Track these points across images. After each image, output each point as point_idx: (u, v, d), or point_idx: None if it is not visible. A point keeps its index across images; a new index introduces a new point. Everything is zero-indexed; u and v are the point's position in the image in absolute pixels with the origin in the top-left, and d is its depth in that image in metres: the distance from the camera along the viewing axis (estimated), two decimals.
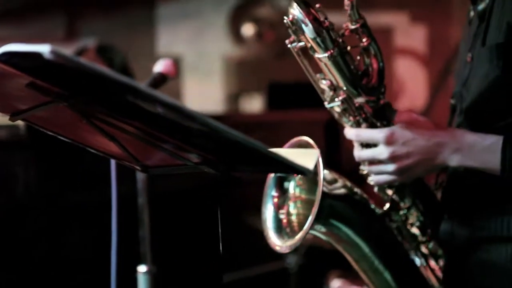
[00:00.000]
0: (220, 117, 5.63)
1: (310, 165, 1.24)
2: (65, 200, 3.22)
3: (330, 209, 1.79)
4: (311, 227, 1.75)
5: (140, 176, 2.20)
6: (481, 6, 1.80)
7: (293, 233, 1.85)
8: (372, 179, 1.81)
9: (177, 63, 6.16)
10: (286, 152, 1.25)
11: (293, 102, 5.52)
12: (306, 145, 1.80)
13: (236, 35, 6.31)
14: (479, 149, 1.65)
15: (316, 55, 1.69)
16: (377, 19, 6.40)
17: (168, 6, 6.33)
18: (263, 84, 6.06)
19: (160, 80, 2.25)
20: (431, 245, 1.89)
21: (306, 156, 1.27)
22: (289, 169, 1.28)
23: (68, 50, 4.34)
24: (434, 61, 6.50)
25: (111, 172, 2.09)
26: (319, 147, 1.72)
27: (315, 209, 1.73)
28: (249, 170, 1.40)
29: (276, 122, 4.47)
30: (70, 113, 1.33)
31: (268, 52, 6.33)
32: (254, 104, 6.17)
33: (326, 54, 1.66)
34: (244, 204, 3.36)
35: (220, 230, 1.40)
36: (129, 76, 3.68)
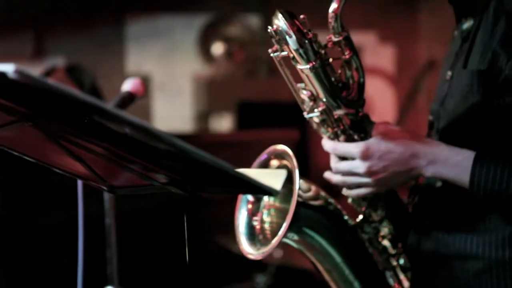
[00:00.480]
0: (190, 136, 5.63)
1: (277, 186, 1.24)
2: (32, 220, 3.19)
3: (304, 218, 1.80)
4: (285, 235, 1.75)
5: (107, 196, 2.18)
6: (465, 26, 1.81)
7: (266, 241, 1.85)
8: (347, 192, 1.82)
9: (146, 82, 6.19)
10: (253, 172, 1.25)
11: (263, 121, 5.53)
12: (282, 153, 1.81)
13: (206, 54, 6.32)
14: (452, 163, 1.67)
15: (298, 66, 1.69)
16: None
17: (137, 25, 6.31)
18: (232, 103, 6.06)
19: (128, 99, 2.24)
20: (401, 258, 1.90)
21: (273, 176, 1.27)
22: (256, 190, 1.27)
23: (36, 69, 4.32)
24: (402, 80, 6.55)
25: (78, 192, 2.07)
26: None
27: (289, 217, 1.73)
28: (216, 190, 1.39)
29: (246, 141, 4.46)
30: (36, 133, 1.32)
31: (238, 71, 6.34)
32: (223, 123, 6.17)
33: (308, 66, 1.67)
34: (213, 223, 3.35)
35: (187, 250, 1.39)
36: (99, 95, 3.66)
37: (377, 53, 6.61)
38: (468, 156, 1.66)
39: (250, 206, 1.88)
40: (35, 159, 1.50)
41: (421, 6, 6.29)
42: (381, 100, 6.46)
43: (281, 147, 1.82)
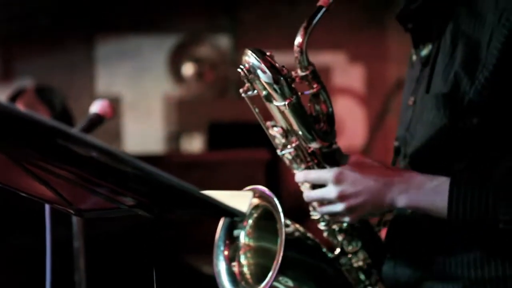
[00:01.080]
0: (161, 157, 5.61)
1: (243, 208, 1.23)
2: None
3: (286, 256, 1.77)
4: (273, 280, 1.72)
5: (76, 220, 2.16)
6: (424, 52, 1.82)
7: (248, 285, 1.82)
8: (323, 224, 1.82)
9: (116, 102, 6.18)
10: (219, 194, 1.24)
11: (234, 142, 5.54)
12: (260, 194, 1.78)
13: (176, 75, 6.32)
14: (426, 190, 1.65)
15: (274, 103, 1.68)
16: (315, 58, 6.45)
17: (107, 46, 6.30)
18: (203, 124, 6.06)
19: (97, 121, 2.23)
20: (378, 286, 1.89)
21: (240, 198, 1.27)
22: (223, 212, 1.27)
23: (5, 91, 4.28)
24: (372, 100, 6.59)
25: (46, 216, 2.05)
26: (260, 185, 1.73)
27: (277, 261, 1.70)
28: (183, 213, 1.39)
29: (216, 162, 4.46)
30: (1, 157, 1.31)
31: (209, 92, 6.35)
32: (194, 144, 6.17)
33: (285, 102, 1.65)
34: (185, 244, 3.34)
35: (154, 273, 1.38)
36: (69, 117, 3.64)
37: (346, 73, 6.65)
38: (443, 182, 1.65)
39: (226, 252, 1.85)
40: (1, 183, 1.48)
41: (389, 26, 6.35)
42: (351, 119, 6.49)
43: (260, 187, 1.79)
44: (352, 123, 6.45)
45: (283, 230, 1.71)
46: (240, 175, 4.16)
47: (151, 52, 6.34)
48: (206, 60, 6.35)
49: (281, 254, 1.70)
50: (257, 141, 3.97)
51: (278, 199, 1.83)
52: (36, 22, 5.90)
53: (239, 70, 1.67)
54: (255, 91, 1.70)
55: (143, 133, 6.31)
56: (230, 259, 1.85)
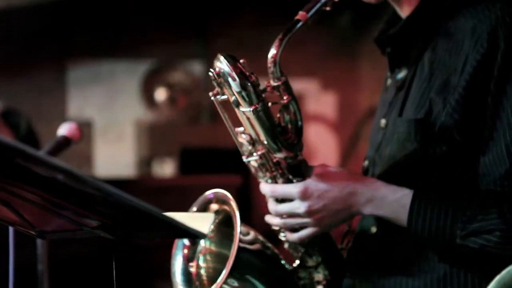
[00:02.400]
0: (132, 182, 5.59)
1: (204, 229, 1.23)
2: None
3: (242, 263, 1.78)
4: (225, 281, 1.73)
5: (40, 242, 2.14)
6: (400, 75, 1.84)
7: (202, 287, 1.83)
8: (284, 234, 1.82)
9: (88, 127, 6.15)
10: (182, 216, 1.24)
11: (205, 167, 5.53)
12: (222, 199, 1.80)
13: (149, 100, 6.31)
14: (390, 201, 1.68)
15: (241, 109, 1.69)
16: None
17: (79, 70, 6.28)
18: (175, 149, 6.05)
19: (64, 143, 2.21)
20: None
21: (201, 220, 1.26)
22: (185, 233, 1.26)
23: None
24: (344, 127, 6.62)
25: (9, 239, 2.02)
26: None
27: (230, 264, 1.71)
28: (146, 235, 1.37)
29: (188, 187, 4.45)
30: None
31: (181, 117, 6.34)
32: (166, 169, 6.15)
33: (250, 108, 1.66)
34: (151, 268, 3.31)
35: None
36: (35, 139, 3.62)
37: (319, 100, 6.68)
38: (406, 194, 1.68)
39: (186, 251, 1.86)
40: None
41: (361, 54, 6.40)
42: (323, 146, 6.51)
43: (221, 191, 1.81)
44: (324, 150, 6.47)
45: (237, 236, 1.71)
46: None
47: (124, 77, 6.34)
48: (178, 86, 6.36)
49: (233, 259, 1.70)
50: (228, 167, 3.97)
51: (249, 224, 1.84)
52: (8, 46, 5.87)
53: (209, 73, 1.68)
54: (224, 96, 1.71)
55: (114, 157, 6.28)
56: (188, 259, 1.85)
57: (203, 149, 5.83)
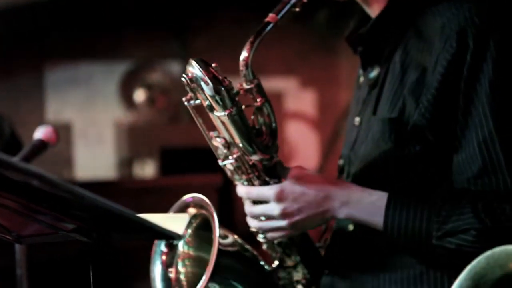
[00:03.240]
0: (113, 183, 5.57)
1: (179, 230, 1.23)
2: None
3: (222, 266, 1.78)
4: (206, 286, 1.73)
5: (18, 246, 2.13)
6: (372, 74, 1.85)
7: None
8: (262, 236, 1.82)
9: (66, 129, 6.13)
10: (157, 218, 1.24)
11: (186, 167, 5.53)
12: (199, 203, 1.79)
13: (128, 101, 6.30)
14: (365, 203, 1.69)
15: (215, 113, 1.69)
16: (267, 84, 6.47)
17: (57, 73, 6.26)
18: (155, 150, 6.04)
19: (40, 147, 2.20)
20: None
21: (177, 221, 1.27)
22: (160, 235, 1.27)
23: None
24: (324, 124, 6.64)
25: None
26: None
27: (210, 267, 1.72)
28: (121, 237, 1.38)
29: (169, 187, 4.45)
30: None
31: (160, 118, 6.33)
32: (147, 169, 6.14)
33: (225, 113, 1.66)
34: (133, 270, 3.31)
35: None
36: (18, 143, 3.60)
37: (298, 98, 6.69)
38: (381, 197, 1.68)
39: (164, 257, 1.86)
40: None
41: (340, 52, 6.42)
42: (304, 144, 6.53)
43: (198, 195, 1.81)
44: (304, 147, 6.49)
45: (217, 240, 1.72)
46: None
47: (102, 78, 6.32)
48: (157, 86, 6.35)
49: (213, 263, 1.71)
50: (209, 166, 3.98)
51: (230, 223, 1.84)
52: None
53: (182, 79, 1.68)
54: (198, 101, 1.71)
55: (95, 159, 6.27)
56: (167, 265, 1.85)
57: (184, 149, 5.83)
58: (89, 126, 6.29)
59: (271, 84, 6.53)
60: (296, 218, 1.71)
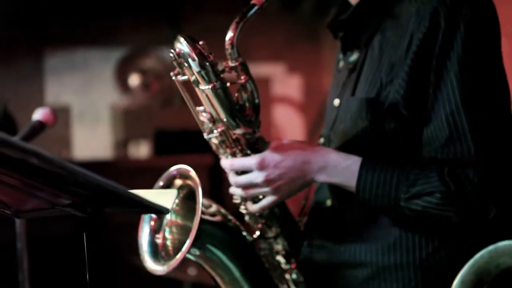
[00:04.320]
0: (109, 163, 5.58)
1: (168, 205, 1.24)
2: None
3: (205, 234, 1.80)
4: (188, 251, 1.75)
5: (19, 222, 2.14)
6: (352, 58, 1.86)
7: (168, 257, 1.84)
8: (243, 207, 1.84)
9: (65, 112, 6.11)
10: (147, 193, 1.25)
11: (179, 148, 5.53)
12: (185, 174, 1.82)
13: (123, 85, 6.28)
14: (341, 168, 1.72)
15: (200, 87, 1.70)
16: (255, 70, 6.47)
17: (56, 57, 6.23)
18: (149, 131, 6.03)
19: (39, 128, 2.21)
20: (293, 273, 1.92)
21: (165, 195, 1.27)
22: (150, 209, 1.28)
23: None
24: (309, 108, 6.64)
25: None
26: (203, 189, 1.74)
27: (193, 234, 1.73)
28: (114, 211, 1.39)
29: (163, 167, 4.42)
30: None
31: (154, 101, 6.32)
32: (141, 150, 6.13)
33: (209, 86, 1.67)
34: (128, 245, 3.31)
35: (87, 270, 1.38)
36: (12, 122, 3.59)
37: (285, 83, 6.69)
38: (356, 161, 1.71)
39: (152, 223, 1.87)
40: None
41: (324, 39, 6.41)
42: (290, 126, 6.53)
43: (184, 167, 1.83)
44: (291, 129, 6.49)
45: (200, 208, 1.73)
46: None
47: (99, 64, 6.29)
48: (151, 71, 6.33)
49: (196, 230, 1.72)
50: (200, 147, 3.98)
51: (220, 201, 1.85)
52: None
53: (170, 54, 1.69)
54: (185, 76, 1.72)
55: (92, 140, 6.25)
56: (155, 231, 1.87)
57: (177, 131, 5.82)
58: (87, 108, 6.27)
59: (259, 69, 6.52)
60: (279, 183, 1.73)
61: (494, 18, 1.70)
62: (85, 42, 6.26)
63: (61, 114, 2.23)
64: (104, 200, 1.29)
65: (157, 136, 5.96)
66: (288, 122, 6.56)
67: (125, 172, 5.40)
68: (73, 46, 6.25)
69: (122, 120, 6.15)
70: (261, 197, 1.78)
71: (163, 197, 1.26)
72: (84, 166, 1.22)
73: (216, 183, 4.88)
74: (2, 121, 3.49)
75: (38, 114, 2.23)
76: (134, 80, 6.30)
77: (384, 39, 1.76)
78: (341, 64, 1.93)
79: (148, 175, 4.24)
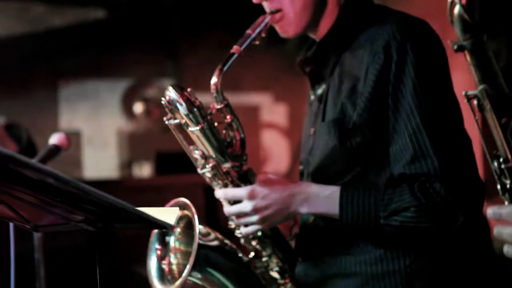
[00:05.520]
0: (115, 182, 5.55)
1: (171, 221, 1.24)
2: None
3: (205, 258, 1.79)
4: (189, 274, 1.73)
5: (36, 235, 2.12)
6: (319, 91, 1.87)
7: (174, 280, 1.83)
8: (239, 231, 1.83)
9: (77, 136, 6.10)
10: (151, 211, 1.25)
11: (177, 168, 5.51)
12: (184, 205, 1.80)
13: (128, 112, 6.28)
14: (322, 198, 1.70)
15: (190, 129, 1.70)
16: (246, 99, 6.51)
17: (69, 87, 6.24)
18: (151, 154, 6.03)
19: (55, 150, 2.20)
20: (289, 286, 1.91)
21: (168, 213, 1.27)
22: (154, 225, 1.28)
23: None
24: (294, 133, 6.65)
25: (10, 231, 2.01)
26: (199, 206, 1.73)
27: (192, 258, 1.72)
28: (122, 227, 1.38)
29: (163, 185, 4.43)
30: None
31: (156, 127, 6.32)
32: (144, 170, 6.12)
33: (197, 128, 1.68)
34: (135, 256, 3.30)
35: (98, 279, 1.37)
36: (34, 149, 3.58)
37: (272, 111, 6.70)
38: (335, 190, 1.69)
39: (159, 252, 1.86)
40: None
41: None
42: (277, 149, 6.53)
43: (182, 199, 1.82)
44: (277, 152, 6.50)
45: (197, 235, 1.73)
46: (183, 197, 4.15)
47: (107, 93, 6.30)
48: (153, 100, 6.34)
49: (194, 255, 1.72)
50: (196, 168, 3.99)
51: (216, 218, 1.84)
52: (6, 68, 5.82)
53: (162, 102, 1.69)
54: (177, 120, 1.72)
55: (100, 162, 6.24)
56: (161, 258, 1.86)
57: (175, 153, 5.77)
58: (96, 133, 6.27)
59: (249, 99, 6.54)
60: (265, 213, 1.72)
61: (439, 46, 1.71)
62: (95, 74, 6.27)
63: (73, 138, 2.22)
64: (114, 216, 1.29)
65: (158, 157, 5.95)
66: (275, 145, 6.57)
67: (130, 190, 5.36)
68: (84, 78, 6.26)
69: (127, 143, 6.14)
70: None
71: (167, 214, 1.26)
72: (93, 184, 1.22)
73: (211, 200, 4.85)
74: (26, 147, 3.48)
75: (54, 139, 2.22)
76: (138, 107, 6.31)
77: (342, 69, 1.77)
78: (312, 97, 1.94)
79: (150, 192, 4.25)
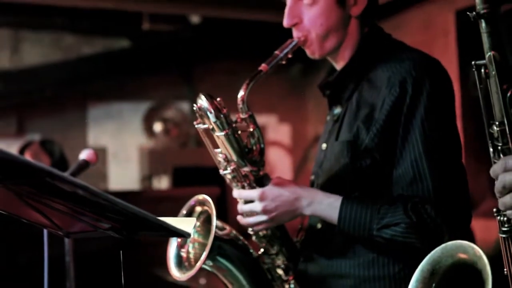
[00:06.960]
0: (137, 193, 5.55)
1: (189, 230, 1.24)
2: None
3: (218, 249, 1.79)
4: (204, 262, 1.74)
5: (67, 240, 2.12)
6: (336, 111, 1.88)
7: (190, 267, 1.83)
8: (250, 229, 1.83)
9: (103, 152, 6.12)
10: (171, 220, 1.25)
11: (192, 181, 5.51)
12: (204, 201, 1.82)
13: (149, 131, 6.30)
14: (325, 204, 1.71)
15: (216, 133, 1.71)
16: None
17: (97, 108, 6.27)
18: (169, 168, 6.03)
19: (84, 165, 2.20)
20: (292, 283, 1.90)
21: (186, 222, 1.27)
22: (174, 233, 1.27)
23: (18, 143, 4.18)
24: (296, 151, 6.65)
25: (44, 237, 2.01)
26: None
27: (207, 248, 1.72)
28: (145, 234, 1.38)
29: (179, 196, 4.40)
30: (6, 193, 1.29)
31: (173, 144, 6.33)
32: (162, 183, 6.12)
33: (223, 133, 1.69)
34: (154, 259, 3.29)
35: (123, 281, 1.36)
36: (66, 163, 3.59)
37: (277, 131, 6.71)
38: (337, 199, 1.71)
39: (179, 240, 1.87)
40: (7, 212, 1.45)
41: (308, 96, 6.46)
42: (281, 165, 6.53)
43: (202, 196, 1.83)
44: (281, 168, 6.49)
45: (214, 228, 1.73)
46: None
47: (130, 114, 6.32)
48: (171, 120, 6.35)
49: (210, 245, 1.72)
50: (210, 181, 3.98)
51: (225, 223, 1.84)
52: (42, 92, 5.86)
53: (194, 108, 1.71)
54: (205, 125, 1.73)
55: (123, 175, 6.25)
56: (181, 246, 1.86)
57: (191, 168, 5.81)
58: (120, 149, 6.28)
59: (256, 119, 6.54)
60: (273, 213, 1.73)
61: (449, 86, 1.73)
62: (119, 97, 6.30)
63: (99, 154, 2.22)
64: (138, 225, 1.29)
65: (175, 171, 5.95)
66: (279, 161, 6.56)
67: (150, 200, 5.36)
68: (110, 100, 6.29)
69: (148, 158, 6.14)
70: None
71: (185, 223, 1.26)
72: (117, 195, 1.22)
73: (222, 210, 4.84)
74: (58, 160, 3.49)
75: (84, 154, 2.22)
76: (158, 127, 6.32)
77: (361, 97, 1.78)
78: (328, 117, 1.95)
79: (168, 202, 4.24)
